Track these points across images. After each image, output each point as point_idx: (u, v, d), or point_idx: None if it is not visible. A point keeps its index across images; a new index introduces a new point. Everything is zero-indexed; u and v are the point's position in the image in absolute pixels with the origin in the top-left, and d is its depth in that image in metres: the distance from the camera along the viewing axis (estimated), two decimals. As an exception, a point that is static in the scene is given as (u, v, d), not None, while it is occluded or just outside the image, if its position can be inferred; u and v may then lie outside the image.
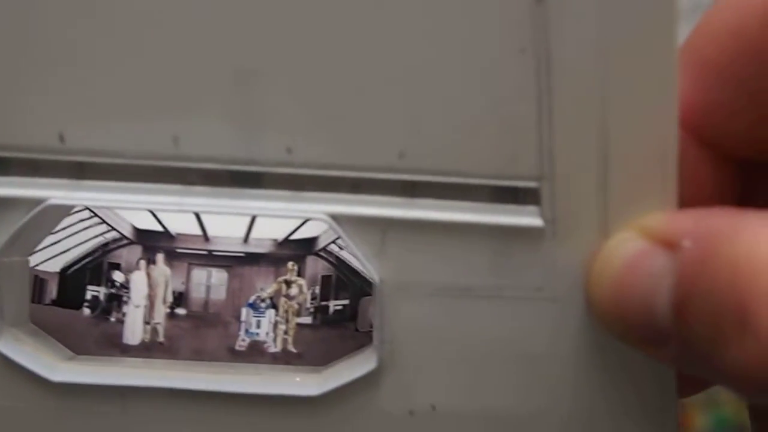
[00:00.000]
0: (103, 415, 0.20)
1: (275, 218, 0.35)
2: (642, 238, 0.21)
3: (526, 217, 0.21)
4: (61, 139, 0.19)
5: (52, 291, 0.26)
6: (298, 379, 0.23)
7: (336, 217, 0.21)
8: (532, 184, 0.21)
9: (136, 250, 0.31)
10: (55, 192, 0.19)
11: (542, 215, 0.21)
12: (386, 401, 0.22)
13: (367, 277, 0.22)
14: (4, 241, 0.19)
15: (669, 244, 0.20)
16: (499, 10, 0.20)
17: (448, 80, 0.20)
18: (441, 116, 0.20)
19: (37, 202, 0.19)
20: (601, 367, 0.22)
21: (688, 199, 0.22)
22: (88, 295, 0.29)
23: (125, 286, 0.30)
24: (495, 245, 0.21)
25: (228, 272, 0.34)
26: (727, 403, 0.67)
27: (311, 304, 0.35)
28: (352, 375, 0.22)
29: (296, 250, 0.35)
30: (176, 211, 0.21)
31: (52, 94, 0.19)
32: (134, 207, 0.20)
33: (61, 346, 0.21)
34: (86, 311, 0.29)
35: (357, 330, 0.30)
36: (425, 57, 0.20)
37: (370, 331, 0.30)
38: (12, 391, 0.20)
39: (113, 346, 0.27)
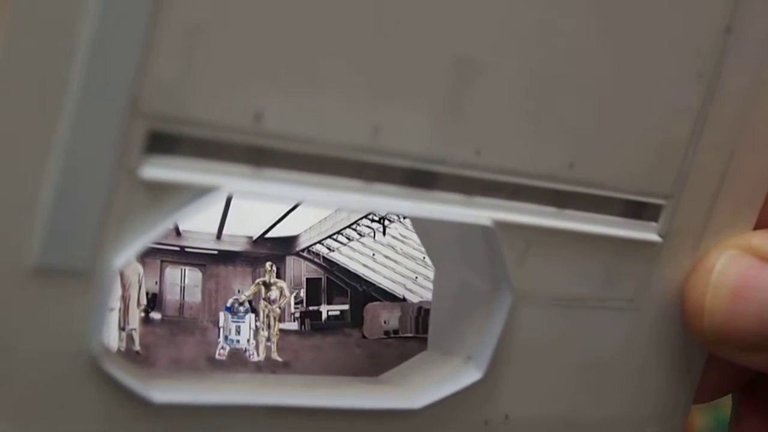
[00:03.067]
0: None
1: (250, 215, 0.32)
2: (749, 256, 0.21)
3: (648, 233, 0.21)
4: (258, 119, 0.15)
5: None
6: (379, 391, 0.20)
7: (496, 224, 0.19)
8: (660, 202, 0.21)
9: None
10: (230, 180, 0.16)
11: (659, 231, 0.21)
12: (470, 412, 0.20)
13: (487, 286, 0.20)
14: (160, 231, 0.15)
15: None
16: (689, 35, 0.20)
17: (627, 96, 0.20)
18: (613, 130, 0.20)
19: (207, 189, 0.15)
20: (675, 375, 0.22)
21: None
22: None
23: (99, 286, 0.26)
24: (609, 257, 0.20)
25: (202, 272, 0.31)
26: (727, 403, 0.67)
27: (296, 308, 0.32)
28: (454, 387, 0.19)
29: (274, 249, 0.32)
30: (358, 210, 0.18)
31: (256, 69, 0.15)
32: (314, 204, 0.17)
33: (125, 359, 0.18)
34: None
35: (364, 337, 0.27)
36: (612, 73, 0.19)
37: (384, 338, 0.28)
38: (108, 414, 0.16)
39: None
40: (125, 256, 0.15)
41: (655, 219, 0.21)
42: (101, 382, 0.16)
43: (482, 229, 0.19)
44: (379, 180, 0.18)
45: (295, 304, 0.32)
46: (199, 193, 0.16)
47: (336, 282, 0.32)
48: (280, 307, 0.31)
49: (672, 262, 0.22)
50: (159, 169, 0.15)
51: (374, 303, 0.29)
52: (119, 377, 0.16)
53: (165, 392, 0.17)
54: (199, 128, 0.16)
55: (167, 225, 0.16)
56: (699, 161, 0.21)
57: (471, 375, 0.20)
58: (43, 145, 0.14)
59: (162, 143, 0.15)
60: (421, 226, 0.23)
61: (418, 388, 0.20)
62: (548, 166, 0.20)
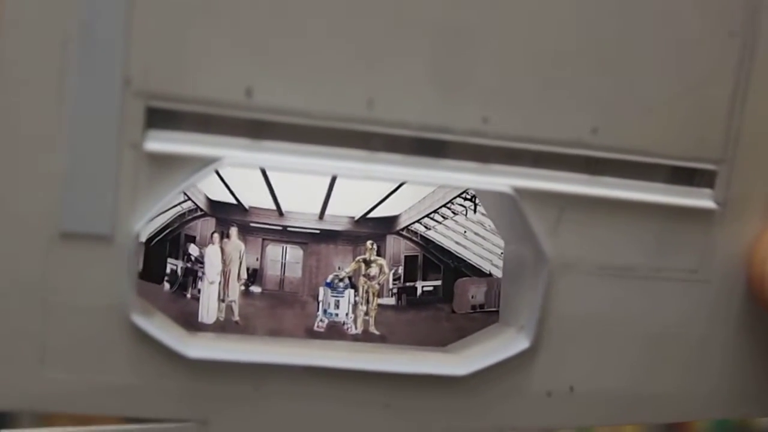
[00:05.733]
0: (235, 393, 0.18)
1: (354, 196, 0.33)
2: None
3: (701, 200, 0.20)
4: (249, 93, 0.17)
5: (139, 263, 0.23)
6: (433, 358, 0.21)
7: (518, 192, 0.19)
8: (711, 167, 0.20)
9: (211, 223, 0.29)
10: (230, 151, 0.17)
11: (715, 198, 0.20)
12: (528, 382, 0.20)
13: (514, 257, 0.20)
14: (166, 199, 0.17)
15: None
16: None
17: (652, 58, 0.19)
18: (639, 93, 0.19)
19: (209, 161, 0.17)
20: (742, 349, 0.21)
21: None
22: (168, 269, 0.27)
23: (200, 261, 0.28)
24: (661, 226, 0.20)
25: (303, 249, 0.32)
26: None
27: (394, 284, 0.33)
28: (501, 355, 0.20)
29: (375, 228, 0.33)
30: (361, 178, 0.19)
31: (243, 46, 0.17)
32: (316, 172, 0.18)
33: (171, 321, 0.19)
34: (166, 286, 0.27)
35: (453, 312, 0.28)
36: (634, 35, 0.19)
37: (470, 313, 0.28)
38: (143, 368, 0.17)
39: (189, 325, 0.25)
40: (143, 222, 0.17)
41: (710, 185, 0.21)
42: (135, 336, 0.17)
43: (505, 197, 0.19)
44: (385, 149, 0.18)
45: (394, 280, 0.33)
46: (202, 163, 0.17)
47: (431, 259, 0.33)
48: (379, 284, 0.32)
49: (737, 232, 0.21)
50: (162, 143, 0.17)
51: (463, 278, 0.30)
52: (153, 332, 0.18)
53: (201, 349, 0.18)
54: (194, 104, 0.17)
55: (178, 192, 0.17)
56: (749, 124, 0.20)
57: (519, 344, 0.21)
58: (51, 125, 0.16)
59: (163, 119, 0.17)
60: (486, 199, 0.23)
61: (469, 356, 0.21)
62: (568, 132, 0.20)
